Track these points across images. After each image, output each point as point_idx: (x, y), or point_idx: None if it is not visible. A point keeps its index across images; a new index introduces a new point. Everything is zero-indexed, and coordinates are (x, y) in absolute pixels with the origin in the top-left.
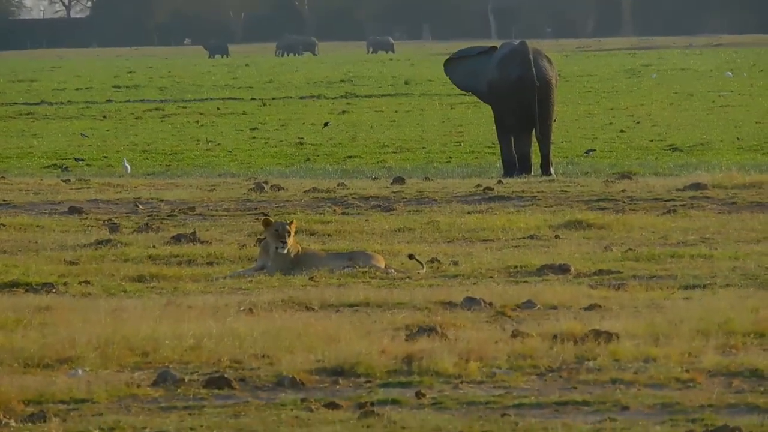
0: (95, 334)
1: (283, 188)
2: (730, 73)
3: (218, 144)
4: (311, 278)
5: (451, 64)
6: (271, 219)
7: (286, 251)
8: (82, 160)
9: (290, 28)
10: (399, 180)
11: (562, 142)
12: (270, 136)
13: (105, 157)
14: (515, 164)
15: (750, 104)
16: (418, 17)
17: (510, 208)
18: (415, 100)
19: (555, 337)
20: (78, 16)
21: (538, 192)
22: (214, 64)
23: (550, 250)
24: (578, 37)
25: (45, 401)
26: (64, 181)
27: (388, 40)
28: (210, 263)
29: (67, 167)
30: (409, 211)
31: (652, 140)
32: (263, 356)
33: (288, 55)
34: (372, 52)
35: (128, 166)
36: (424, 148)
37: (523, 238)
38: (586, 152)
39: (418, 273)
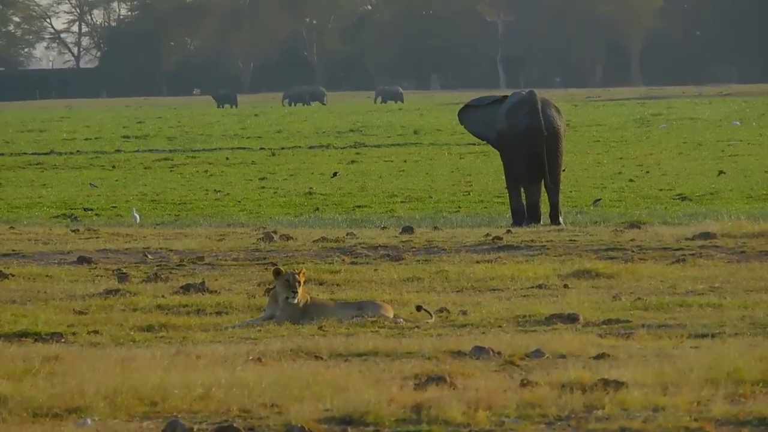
0: (104, 383)
1: (292, 238)
2: (738, 123)
3: (227, 194)
4: (320, 328)
5: (464, 113)
6: (281, 269)
7: (296, 301)
8: (91, 209)
9: (299, 78)
10: (408, 229)
11: (571, 191)
12: (279, 185)
13: (114, 206)
14: (524, 213)
15: (759, 153)
16: (427, 67)
17: (519, 258)
18: (424, 150)
19: (564, 385)
20: (87, 66)
21: (547, 241)
22: (223, 114)
23: (558, 299)
24: (587, 86)
25: None
26: (73, 230)
27: (397, 89)
28: (219, 313)
29: (76, 217)
30: (418, 260)
31: (661, 189)
32: (272, 405)
33: (295, 105)
34: (381, 102)
35: (137, 216)
36: (432, 197)
37: (532, 287)
38: (593, 202)
39: (427, 322)
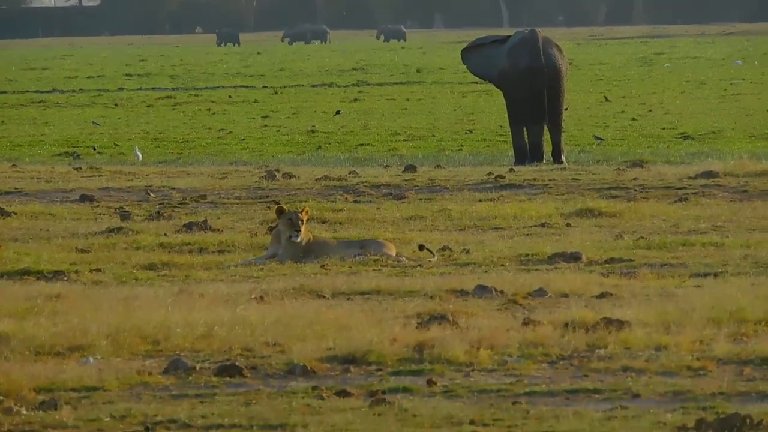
0: (106, 322)
1: (294, 176)
2: (739, 62)
3: (230, 132)
4: (322, 266)
5: (467, 53)
6: (284, 207)
7: (299, 240)
8: (95, 148)
9: (303, 16)
10: (410, 168)
11: (574, 130)
12: (282, 124)
13: (116, 144)
14: (527, 152)
15: (762, 93)
16: (430, 6)
17: (521, 196)
18: (427, 89)
19: (566, 325)
20: (90, 4)
21: (549, 180)
22: (225, 53)
23: (561, 238)
24: (590, 25)
25: (56, 389)
26: (75, 169)
27: (400, 28)
28: (221, 251)
29: (78, 155)
30: (421, 199)
31: (663, 128)
32: (274, 344)
33: (293, 44)
34: (384, 41)
35: (140, 154)
36: (434, 136)
37: (535, 226)
38: (594, 137)
39: (430, 261)
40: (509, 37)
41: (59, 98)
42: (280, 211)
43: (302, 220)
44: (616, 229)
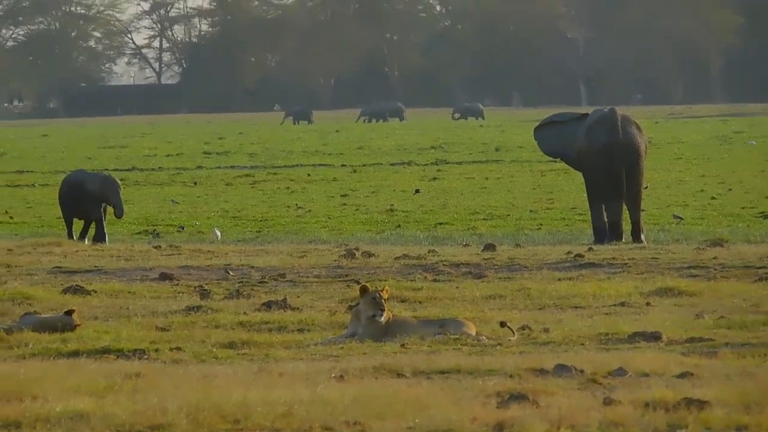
0: (186, 400)
1: (373, 255)
2: (753, 142)
3: (309, 210)
4: (402, 345)
5: (541, 130)
6: (368, 287)
7: (382, 319)
8: (183, 227)
9: (379, 94)
10: (490, 247)
11: (653, 208)
12: (360, 202)
13: (196, 223)
14: (606, 231)
15: None
16: (508, 84)
17: (601, 275)
18: (506, 167)
19: (647, 404)
20: (168, 82)
21: (628, 259)
22: (303, 131)
23: (641, 317)
24: (668, 103)
25: None
26: (155, 247)
27: (477, 106)
28: (301, 330)
29: (158, 233)
30: (500, 277)
31: (743, 207)
32: (354, 423)
33: (371, 122)
34: (460, 119)
35: (218, 233)
36: (512, 215)
37: (614, 305)
38: (673, 216)
39: (509, 340)
40: (585, 115)
41: (138, 176)
42: (364, 290)
43: (384, 299)
44: (696, 309)
